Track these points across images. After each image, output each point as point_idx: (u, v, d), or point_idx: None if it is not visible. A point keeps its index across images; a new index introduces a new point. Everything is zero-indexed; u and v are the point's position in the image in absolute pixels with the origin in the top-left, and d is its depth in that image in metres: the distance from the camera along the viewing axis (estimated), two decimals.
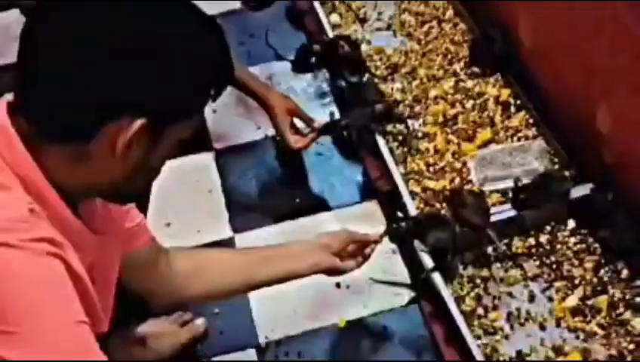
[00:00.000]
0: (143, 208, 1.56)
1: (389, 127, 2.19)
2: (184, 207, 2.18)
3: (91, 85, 0.94)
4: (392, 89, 2.34)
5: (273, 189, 2.24)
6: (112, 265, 1.22)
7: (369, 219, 2.09)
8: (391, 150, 2.13)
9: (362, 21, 2.62)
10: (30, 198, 0.96)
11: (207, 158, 2.32)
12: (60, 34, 0.95)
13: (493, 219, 1.88)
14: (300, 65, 2.43)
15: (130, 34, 0.95)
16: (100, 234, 1.11)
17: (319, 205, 2.16)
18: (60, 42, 0.95)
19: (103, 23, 0.94)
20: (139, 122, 0.96)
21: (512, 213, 1.91)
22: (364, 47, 2.48)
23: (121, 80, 0.94)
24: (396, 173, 2.06)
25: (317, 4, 2.63)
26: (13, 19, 2.31)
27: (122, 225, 1.29)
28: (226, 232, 2.12)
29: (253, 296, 1.94)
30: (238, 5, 2.49)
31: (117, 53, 0.94)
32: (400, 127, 2.19)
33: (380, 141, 2.14)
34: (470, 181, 2.04)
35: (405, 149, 2.15)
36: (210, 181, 2.26)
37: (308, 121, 2.14)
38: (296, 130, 2.12)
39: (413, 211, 1.95)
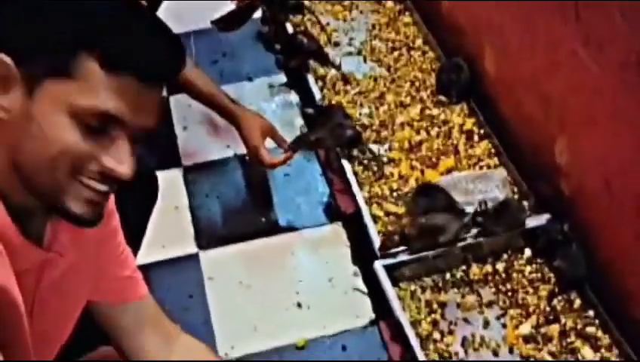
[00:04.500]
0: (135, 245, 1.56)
1: (355, 152, 2.24)
2: (150, 222, 2.20)
3: None
4: (360, 114, 2.39)
5: (240, 208, 2.28)
6: (71, 292, 1.18)
7: (334, 241, 2.14)
8: (356, 174, 2.18)
9: (334, 45, 2.67)
10: None
11: (175, 175, 2.35)
12: None
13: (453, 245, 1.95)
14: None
15: None
16: (58, 254, 1.09)
17: (285, 225, 2.19)
18: None
19: None
20: None
21: (470, 239, 1.96)
22: (333, 73, 2.54)
23: None
24: (360, 196, 2.11)
25: (288, 26, 2.68)
26: None
27: (108, 268, 1.25)
28: (191, 249, 2.15)
29: (215, 311, 1.98)
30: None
31: None
32: (366, 152, 2.24)
33: (346, 165, 2.19)
34: None
35: (370, 173, 2.20)
36: (177, 197, 2.29)
37: (281, 142, 2.18)
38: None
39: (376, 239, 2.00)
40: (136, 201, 1.61)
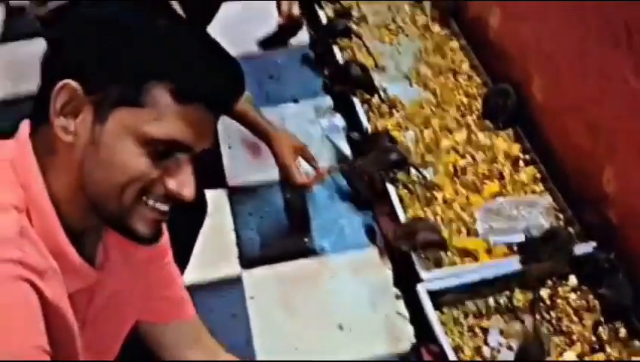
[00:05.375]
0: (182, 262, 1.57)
1: (400, 175, 2.24)
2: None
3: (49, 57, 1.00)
4: (405, 137, 2.39)
5: (283, 229, 2.30)
6: (121, 311, 1.20)
7: (376, 264, 2.14)
8: (400, 197, 2.18)
9: (380, 69, 2.68)
10: (26, 221, 0.95)
11: (220, 195, 2.38)
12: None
13: (497, 271, 1.93)
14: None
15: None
16: (109, 274, 1.11)
17: (327, 247, 2.20)
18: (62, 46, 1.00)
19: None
20: (69, 81, 0.96)
21: (516, 265, 1.94)
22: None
23: (65, 44, 0.99)
24: (403, 219, 2.11)
25: (336, 49, 2.71)
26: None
27: (157, 287, 1.27)
28: (235, 269, 2.17)
29: (257, 331, 1.99)
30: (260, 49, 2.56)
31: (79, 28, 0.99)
32: (411, 175, 2.24)
33: (390, 188, 2.19)
34: (476, 231, 2.08)
35: (415, 197, 2.20)
36: (222, 217, 2.31)
37: (312, 161, 2.19)
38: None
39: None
40: (185, 221, 1.63)
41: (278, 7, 2.39)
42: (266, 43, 2.44)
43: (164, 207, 1.02)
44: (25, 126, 1.03)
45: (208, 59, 1.00)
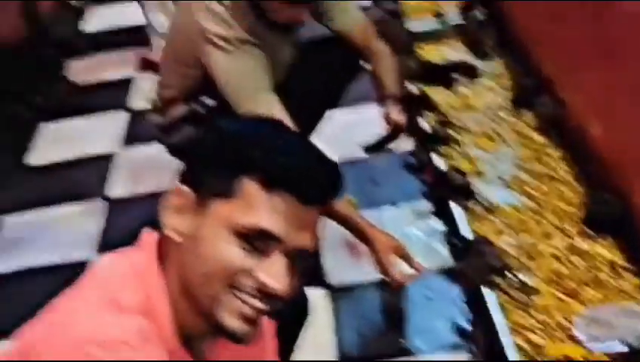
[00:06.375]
0: None
1: (499, 281, 2.25)
2: None
3: None
4: (504, 243, 2.41)
5: (379, 328, 2.32)
6: None
7: None
8: (501, 304, 2.19)
9: (479, 175, 2.73)
10: (145, 322, 0.99)
11: (320, 294, 2.44)
12: None
13: None
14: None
15: None
16: None
17: (422, 348, 2.21)
18: None
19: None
20: (179, 185, 1.04)
21: None
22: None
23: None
24: (502, 324, 2.11)
25: (436, 156, 2.78)
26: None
27: None
28: None
29: None
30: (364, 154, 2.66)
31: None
32: (510, 281, 2.25)
33: (488, 293, 2.20)
34: (574, 338, 2.05)
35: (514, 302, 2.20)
36: (322, 316, 2.35)
37: (411, 261, 2.23)
38: None
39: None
40: (288, 320, 1.68)
41: (385, 114, 2.49)
42: (371, 149, 2.53)
43: (257, 303, 1.02)
44: (149, 233, 1.10)
45: (298, 153, 1.04)
